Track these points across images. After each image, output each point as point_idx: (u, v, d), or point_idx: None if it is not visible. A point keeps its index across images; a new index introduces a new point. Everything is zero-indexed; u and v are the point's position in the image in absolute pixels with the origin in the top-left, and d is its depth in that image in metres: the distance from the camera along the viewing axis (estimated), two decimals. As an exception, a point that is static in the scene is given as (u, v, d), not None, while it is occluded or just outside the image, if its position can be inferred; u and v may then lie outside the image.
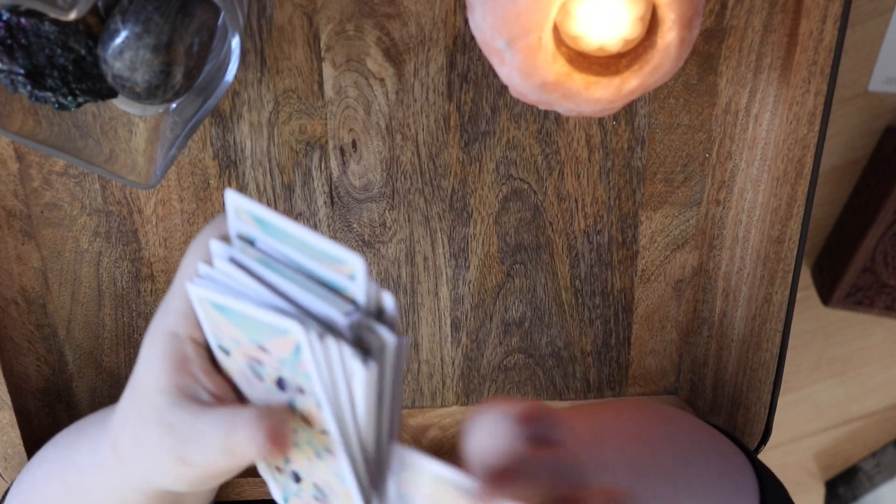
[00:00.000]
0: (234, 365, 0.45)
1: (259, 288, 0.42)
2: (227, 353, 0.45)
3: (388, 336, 0.41)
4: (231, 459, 0.43)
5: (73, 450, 0.58)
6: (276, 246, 0.42)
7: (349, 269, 0.40)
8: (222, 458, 0.43)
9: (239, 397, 0.46)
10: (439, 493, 0.40)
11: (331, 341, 0.40)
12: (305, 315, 0.41)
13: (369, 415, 0.42)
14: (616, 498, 0.42)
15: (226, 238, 0.44)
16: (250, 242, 0.43)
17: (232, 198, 0.43)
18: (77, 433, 0.62)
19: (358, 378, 0.40)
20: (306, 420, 0.44)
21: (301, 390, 0.42)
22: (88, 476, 0.54)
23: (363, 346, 0.41)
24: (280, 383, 0.43)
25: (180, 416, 0.44)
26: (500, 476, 0.39)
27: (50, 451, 0.63)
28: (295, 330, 0.40)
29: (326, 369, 0.41)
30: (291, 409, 0.44)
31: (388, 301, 0.41)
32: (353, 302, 0.41)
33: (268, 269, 0.42)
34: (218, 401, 0.44)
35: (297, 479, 0.47)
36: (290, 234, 0.41)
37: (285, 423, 0.42)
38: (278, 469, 0.47)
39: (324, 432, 0.43)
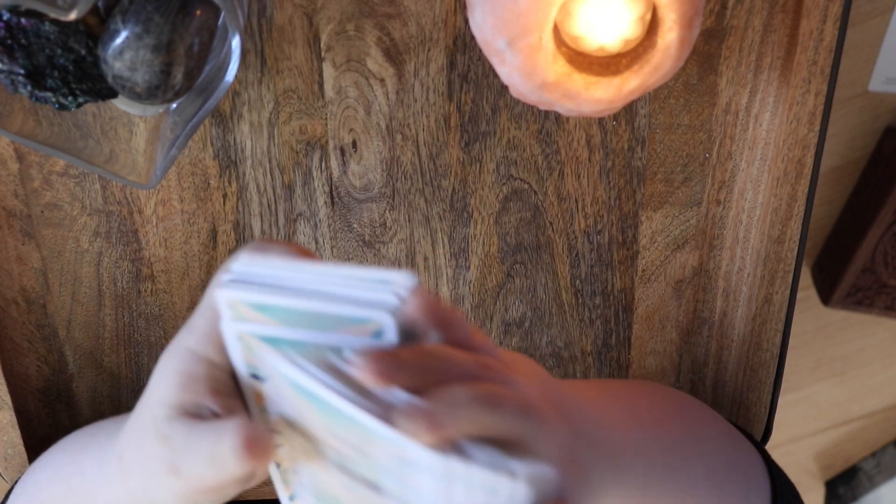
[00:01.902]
0: (269, 390, 0.45)
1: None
2: (262, 380, 0.44)
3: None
4: (217, 471, 0.42)
5: (82, 457, 0.58)
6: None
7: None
8: (210, 469, 0.43)
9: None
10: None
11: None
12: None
13: None
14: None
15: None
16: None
17: (225, 295, 0.42)
18: (87, 439, 0.61)
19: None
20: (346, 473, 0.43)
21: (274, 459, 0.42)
22: (94, 486, 0.54)
23: None
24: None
25: (176, 429, 0.43)
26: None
27: (57, 456, 0.62)
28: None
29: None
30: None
31: None
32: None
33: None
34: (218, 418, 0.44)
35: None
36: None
37: (265, 434, 0.42)
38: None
39: None
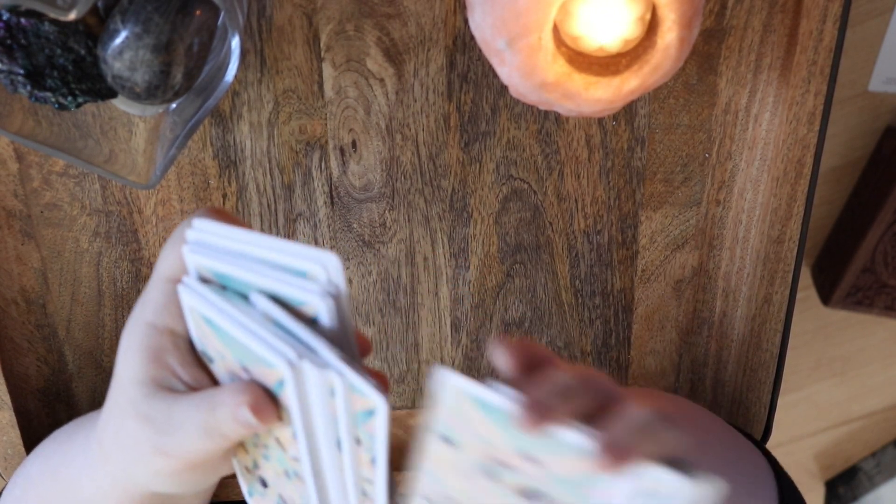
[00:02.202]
0: (216, 370, 0.45)
1: (248, 308, 0.42)
2: (210, 360, 0.45)
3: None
4: (211, 441, 0.42)
5: (68, 446, 0.58)
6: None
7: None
8: (201, 441, 0.42)
9: None
10: (479, 420, 0.39)
11: (336, 376, 0.40)
12: (300, 344, 0.41)
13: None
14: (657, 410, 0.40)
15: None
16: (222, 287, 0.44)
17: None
18: (74, 429, 0.61)
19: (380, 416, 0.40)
20: (280, 443, 0.43)
21: (278, 417, 0.42)
22: (79, 474, 0.54)
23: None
24: None
25: (156, 407, 0.43)
26: (538, 395, 0.37)
27: (47, 447, 0.63)
28: (282, 367, 0.40)
29: (315, 405, 0.41)
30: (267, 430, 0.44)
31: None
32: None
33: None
34: (193, 392, 0.44)
35: (265, 484, 0.47)
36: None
37: (267, 396, 0.42)
38: (248, 469, 0.47)
39: (295, 459, 0.43)
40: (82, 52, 0.52)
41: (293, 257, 0.41)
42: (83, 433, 0.57)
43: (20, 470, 0.64)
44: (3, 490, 0.67)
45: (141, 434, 0.44)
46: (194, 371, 0.44)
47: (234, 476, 0.49)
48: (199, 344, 0.44)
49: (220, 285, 0.43)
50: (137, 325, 0.45)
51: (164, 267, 0.45)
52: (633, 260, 0.68)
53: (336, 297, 0.41)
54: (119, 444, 0.46)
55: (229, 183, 0.64)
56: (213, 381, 0.45)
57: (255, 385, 0.42)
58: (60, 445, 0.60)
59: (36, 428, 0.70)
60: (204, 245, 0.44)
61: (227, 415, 0.42)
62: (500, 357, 0.41)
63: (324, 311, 0.41)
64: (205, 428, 0.42)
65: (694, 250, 0.68)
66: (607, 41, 0.52)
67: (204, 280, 0.44)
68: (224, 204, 0.64)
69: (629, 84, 0.52)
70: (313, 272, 0.41)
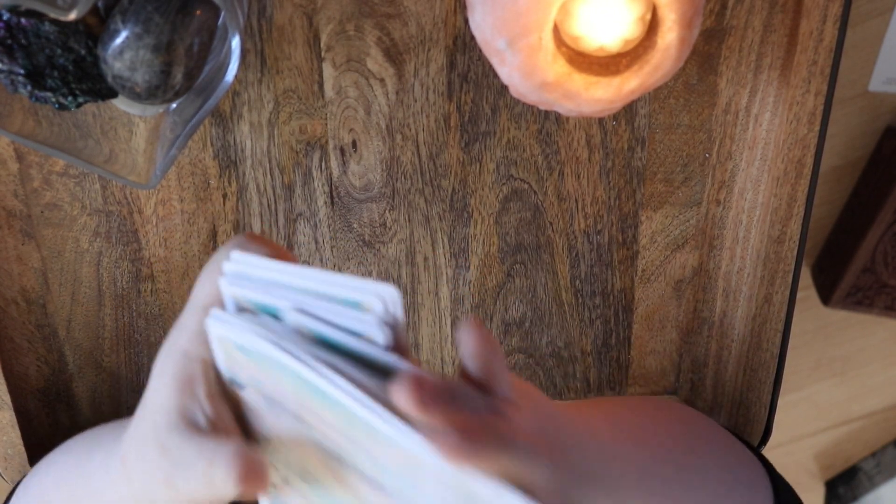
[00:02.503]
0: (247, 396, 0.45)
1: (294, 335, 0.42)
2: (241, 387, 0.45)
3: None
4: (212, 490, 0.43)
5: (87, 459, 0.58)
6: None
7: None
8: (204, 488, 0.43)
9: (240, 426, 0.46)
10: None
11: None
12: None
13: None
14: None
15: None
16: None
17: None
18: (92, 442, 0.61)
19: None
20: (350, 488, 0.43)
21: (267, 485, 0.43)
22: (99, 489, 0.54)
23: None
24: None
25: (173, 440, 0.44)
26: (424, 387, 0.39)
27: (62, 458, 0.62)
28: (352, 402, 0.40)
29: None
30: (311, 443, 0.44)
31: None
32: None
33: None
34: (213, 428, 0.44)
35: None
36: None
37: (263, 463, 0.42)
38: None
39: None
40: (82, 52, 0.52)
41: (346, 289, 0.40)
42: (103, 448, 0.57)
43: (31, 479, 0.64)
44: (9, 496, 0.67)
45: (157, 462, 0.45)
46: (219, 405, 0.45)
47: None
48: (228, 373, 0.44)
49: (259, 314, 0.43)
50: (172, 351, 0.45)
51: (201, 295, 0.45)
52: (633, 260, 0.68)
53: (394, 327, 0.40)
54: (141, 466, 0.47)
55: (229, 183, 0.64)
56: (237, 413, 0.45)
57: (255, 451, 0.43)
58: (78, 458, 0.60)
59: (36, 428, 0.70)
60: (242, 277, 0.43)
61: (222, 472, 0.42)
62: (468, 343, 0.42)
63: (381, 341, 0.40)
64: (205, 478, 0.43)
65: (694, 250, 0.68)
66: (607, 41, 0.52)
67: (243, 311, 0.43)
68: (224, 204, 0.64)
69: (629, 84, 0.52)
70: (368, 303, 0.40)
